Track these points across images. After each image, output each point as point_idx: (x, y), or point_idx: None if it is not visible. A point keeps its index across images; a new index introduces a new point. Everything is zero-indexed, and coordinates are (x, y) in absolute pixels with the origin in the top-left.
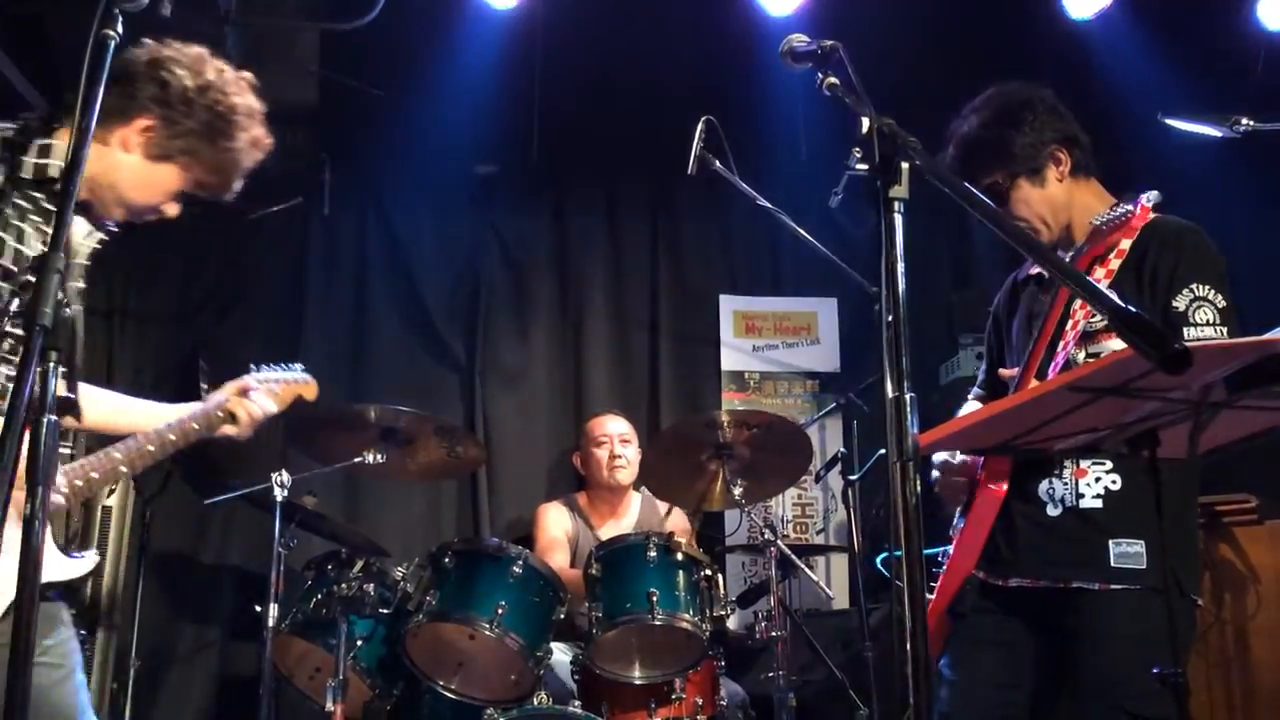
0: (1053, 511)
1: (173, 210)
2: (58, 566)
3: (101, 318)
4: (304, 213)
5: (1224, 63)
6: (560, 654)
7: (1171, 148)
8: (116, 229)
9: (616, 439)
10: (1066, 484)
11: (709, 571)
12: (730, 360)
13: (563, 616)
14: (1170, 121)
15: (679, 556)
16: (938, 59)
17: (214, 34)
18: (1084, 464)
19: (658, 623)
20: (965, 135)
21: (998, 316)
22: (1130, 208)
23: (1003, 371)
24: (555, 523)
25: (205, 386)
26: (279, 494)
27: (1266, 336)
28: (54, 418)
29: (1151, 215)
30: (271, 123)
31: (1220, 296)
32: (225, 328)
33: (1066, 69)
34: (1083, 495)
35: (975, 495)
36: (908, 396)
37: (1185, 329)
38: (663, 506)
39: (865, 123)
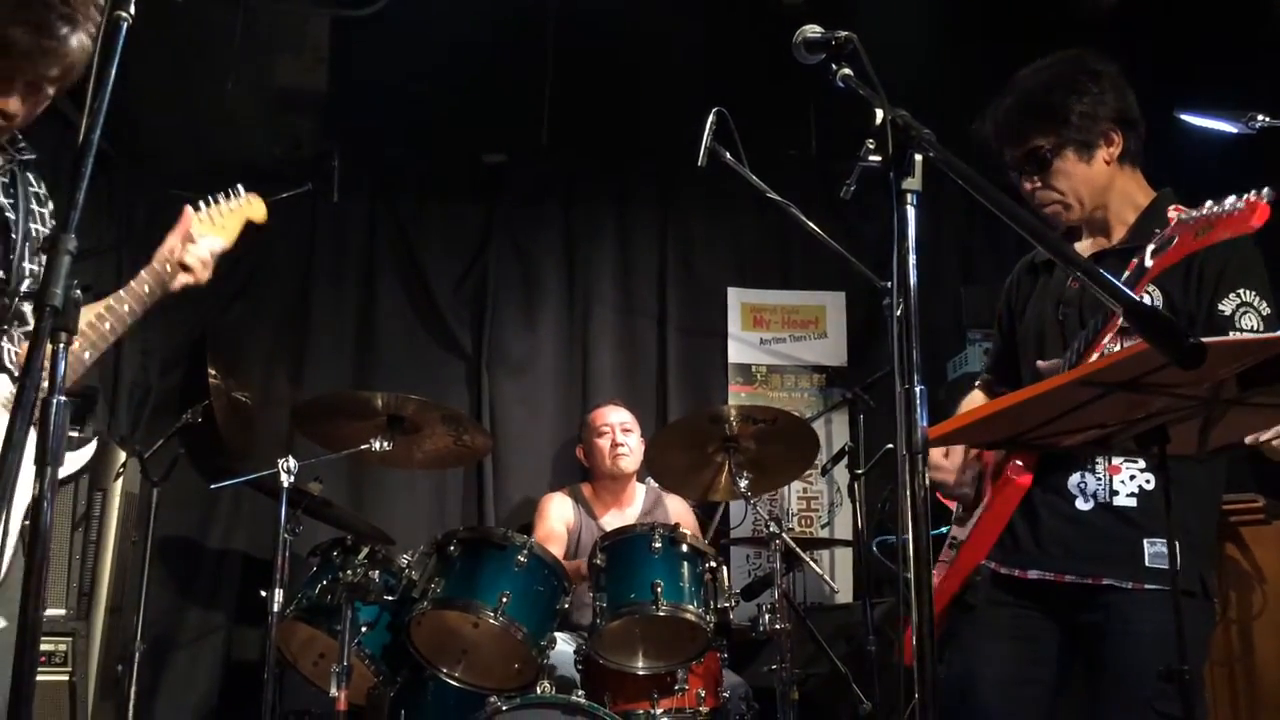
0: (1083, 506)
1: (12, 105)
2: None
3: None
4: (312, 200)
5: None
6: (564, 643)
7: (1187, 142)
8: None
9: (618, 428)
10: (1100, 479)
11: (713, 563)
12: (738, 353)
13: (567, 606)
14: (1186, 116)
15: (684, 548)
16: (953, 51)
17: (225, 20)
18: (1117, 460)
19: (662, 614)
20: (1024, 91)
21: (1010, 299)
22: (1239, 205)
23: (1041, 364)
24: (556, 513)
25: (213, 373)
26: (285, 480)
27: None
28: (63, 398)
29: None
30: (281, 110)
31: (1265, 303)
32: (233, 313)
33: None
34: (1117, 492)
35: (996, 484)
36: (917, 389)
37: (1231, 333)
38: (667, 497)
39: (878, 114)
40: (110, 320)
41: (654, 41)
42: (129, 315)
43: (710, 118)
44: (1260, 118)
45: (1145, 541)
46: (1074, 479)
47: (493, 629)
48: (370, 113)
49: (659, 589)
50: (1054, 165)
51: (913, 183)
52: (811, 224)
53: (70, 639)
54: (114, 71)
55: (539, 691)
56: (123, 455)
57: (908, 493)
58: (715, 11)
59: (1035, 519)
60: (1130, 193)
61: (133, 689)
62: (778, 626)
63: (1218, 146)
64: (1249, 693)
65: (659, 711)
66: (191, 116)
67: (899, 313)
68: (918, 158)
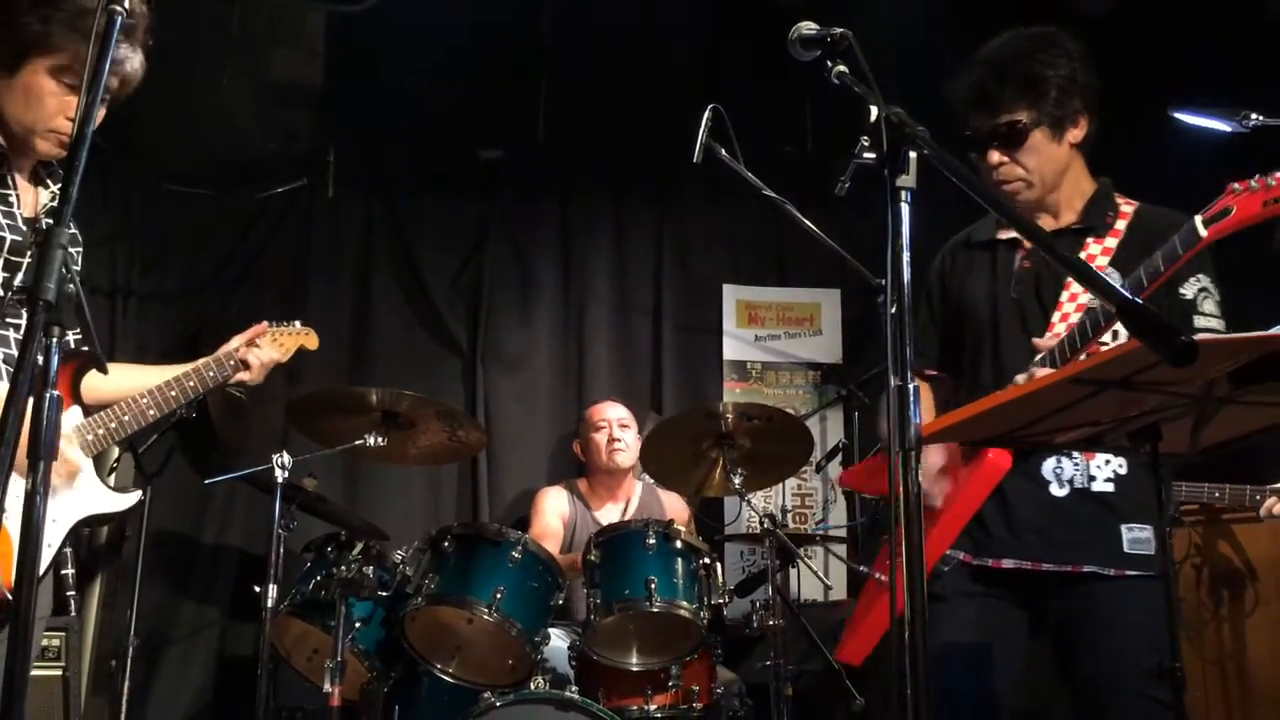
0: (1058, 491)
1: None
2: (105, 500)
3: (104, 297)
4: (308, 195)
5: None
6: (557, 639)
7: (1180, 141)
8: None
9: (615, 423)
10: (1078, 464)
11: (707, 560)
12: (733, 350)
13: (561, 602)
14: (1179, 115)
15: (678, 544)
16: (948, 49)
17: (221, 13)
18: None
19: (655, 610)
20: (1001, 58)
21: (945, 277)
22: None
23: (1037, 342)
24: (552, 508)
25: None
26: (279, 475)
27: (1271, 332)
28: (56, 392)
29: (1140, 205)
30: (277, 104)
31: (1217, 289)
32: (228, 308)
33: None
34: (1094, 477)
35: (969, 463)
36: (910, 386)
37: (1195, 317)
38: (663, 494)
39: (873, 111)
40: (176, 390)
41: (651, 38)
42: (192, 391)
43: (706, 114)
44: (1254, 116)
45: (1123, 527)
46: (1049, 464)
47: (487, 625)
48: (366, 108)
49: (653, 585)
50: (1027, 141)
51: (907, 180)
52: (807, 221)
53: (63, 634)
54: (108, 66)
55: (533, 687)
56: (116, 450)
57: (900, 489)
58: (711, 8)
59: (1007, 506)
60: (1080, 179)
61: (126, 684)
62: (771, 623)
63: (1211, 145)
64: (1241, 688)
65: (653, 707)
66: (187, 110)
67: (893, 310)
68: (912, 155)
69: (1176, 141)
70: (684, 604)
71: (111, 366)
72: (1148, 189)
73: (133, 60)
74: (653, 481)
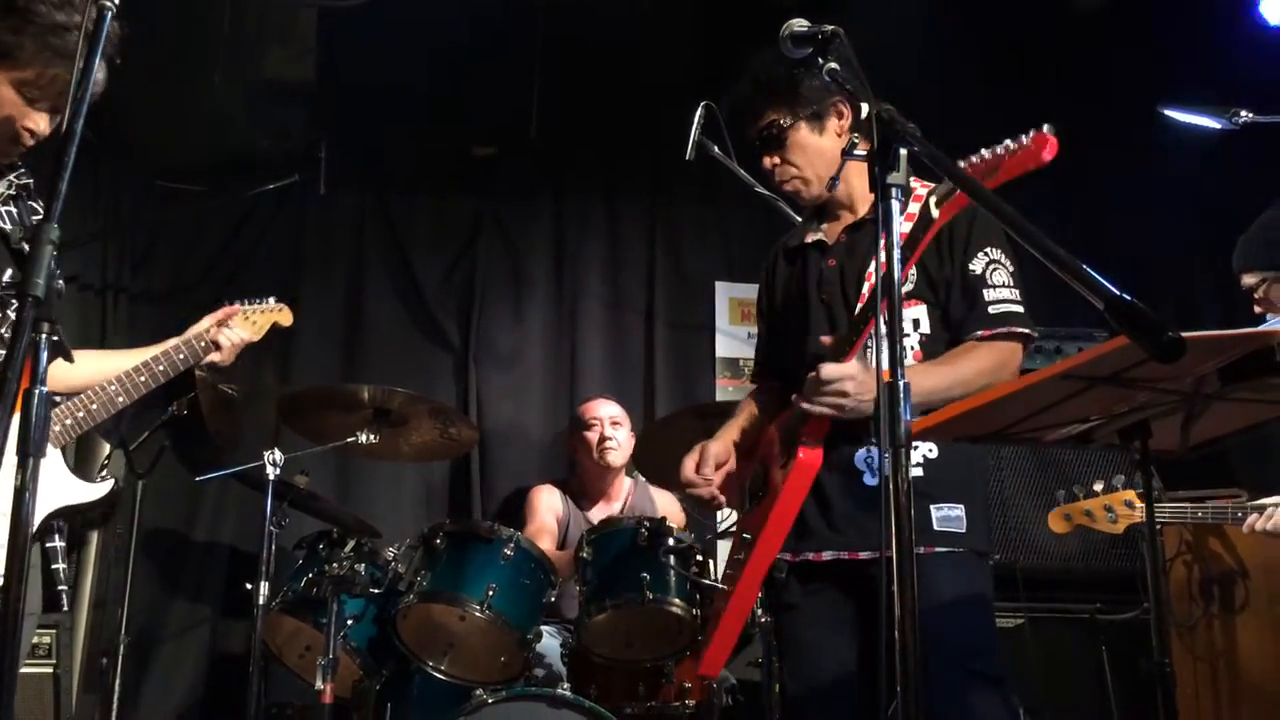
0: (871, 481)
1: (42, 125)
2: (74, 490)
3: (95, 294)
4: (299, 191)
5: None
6: (549, 637)
7: (1170, 138)
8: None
9: (607, 421)
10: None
11: (700, 557)
12: (725, 347)
13: (553, 599)
14: (1169, 112)
15: (670, 541)
16: (942, 48)
17: (212, 10)
18: None
19: (648, 607)
20: (756, 69)
21: (771, 285)
22: (1026, 142)
23: (824, 339)
24: (546, 506)
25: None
26: (271, 472)
27: (1261, 329)
28: (45, 389)
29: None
30: (269, 101)
31: (1009, 260)
32: (219, 306)
33: (1070, 57)
34: None
35: (786, 468)
36: (901, 383)
37: (984, 290)
38: (655, 492)
39: (864, 108)
40: (145, 375)
41: (644, 34)
42: (162, 375)
43: (699, 111)
44: (1244, 114)
45: (933, 507)
46: (860, 454)
47: (479, 622)
48: (358, 104)
49: (645, 582)
50: (789, 139)
51: (897, 177)
52: (799, 219)
53: (54, 631)
54: (96, 63)
55: (525, 684)
56: (107, 447)
57: (892, 486)
58: (705, 3)
59: (825, 501)
60: (864, 170)
61: (117, 681)
62: (764, 620)
63: (1203, 142)
64: (1231, 686)
65: (645, 705)
66: (178, 107)
67: (884, 306)
68: (903, 152)
69: (1165, 138)
70: (676, 601)
71: (80, 353)
72: (1140, 189)
73: (100, 75)
74: (644, 479)
